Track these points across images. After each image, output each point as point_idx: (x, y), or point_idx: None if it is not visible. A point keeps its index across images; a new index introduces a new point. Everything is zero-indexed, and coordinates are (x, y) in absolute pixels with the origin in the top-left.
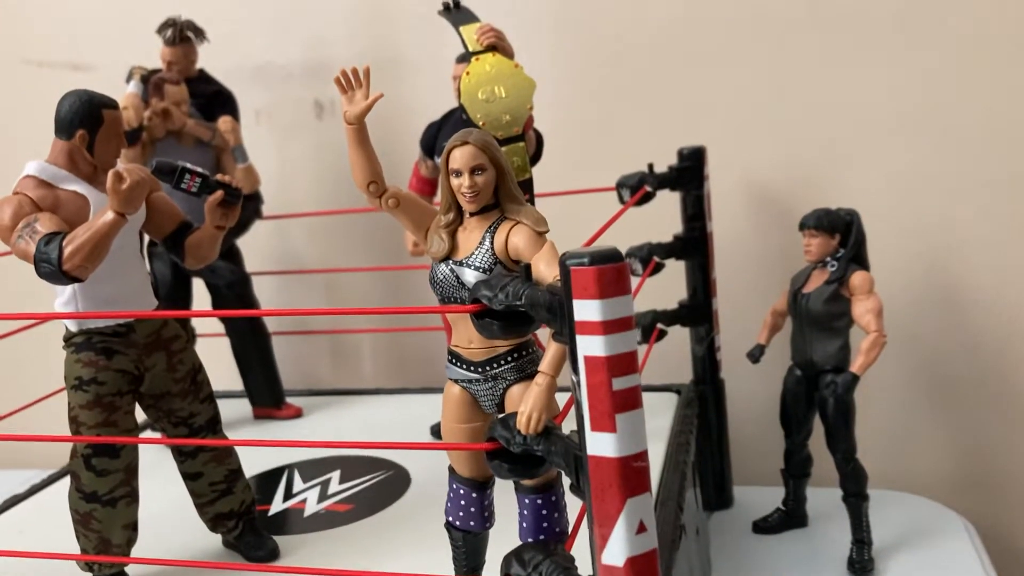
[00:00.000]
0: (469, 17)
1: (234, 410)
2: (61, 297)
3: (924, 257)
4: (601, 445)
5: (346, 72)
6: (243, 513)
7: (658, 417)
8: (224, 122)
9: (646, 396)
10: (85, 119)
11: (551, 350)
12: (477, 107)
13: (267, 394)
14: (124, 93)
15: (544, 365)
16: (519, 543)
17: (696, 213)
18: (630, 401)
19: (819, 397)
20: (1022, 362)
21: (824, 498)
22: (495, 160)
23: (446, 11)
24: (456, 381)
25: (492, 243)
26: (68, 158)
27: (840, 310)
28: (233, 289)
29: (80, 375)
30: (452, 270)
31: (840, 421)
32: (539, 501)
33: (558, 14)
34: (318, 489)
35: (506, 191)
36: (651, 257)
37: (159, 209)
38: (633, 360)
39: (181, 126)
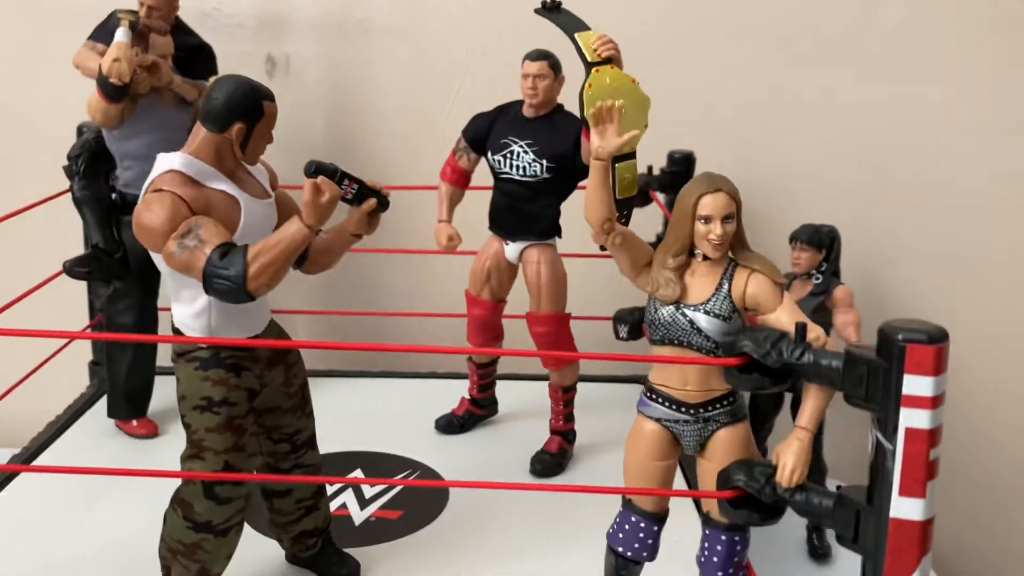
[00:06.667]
0: (578, 23)
1: None
2: (189, 307)
3: (863, 266)
4: (908, 509)
5: (603, 106)
6: (325, 529)
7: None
8: None
9: (615, 387)
10: (246, 112)
11: (812, 407)
12: None
13: None
14: (113, 43)
15: (806, 421)
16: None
17: None
18: (936, 469)
19: (793, 399)
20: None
21: None
22: (740, 207)
23: (546, 10)
24: (658, 419)
25: (730, 290)
26: (216, 153)
27: (822, 321)
28: None
29: (209, 395)
30: (684, 314)
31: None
32: (736, 538)
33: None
34: (350, 489)
35: (739, 237)
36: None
37: (287, 211)
38: (941, 431)
39: (168, 82)
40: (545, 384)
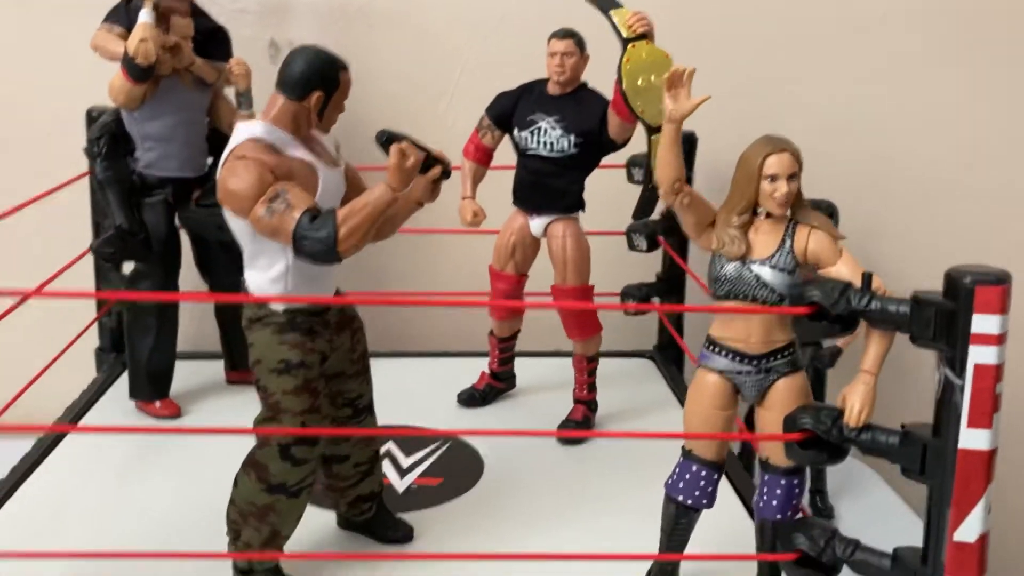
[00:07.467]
0: (611, 1)
1: (201, 372)
2: (266, 273)
3: (858, 242)
4: (976, 440)
5: (675, 70)
6: (379, 493)
7: (649, 382)
8: (239, 64)
9: (623, 362)
10: (324, 80)
11: (875, 351)
12: (638, 95)
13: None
14: (138, 24)
15: (870, 365)
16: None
17: None
18: (1000, 403)
19: None
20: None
21: None
22: (801, 167)
23: None
24: (720, 371)
25: (792, 246)
26: (293, 121)
27: None
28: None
29: (287, 358)
30: (750, 269)
31: (818, 390)
32: (795, 481)
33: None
34: (387, 459)
35: (799, 196)
36: (655, 235)
37: (354, 181)
38: (1004, 366)
39: (189, 64)
40: (563, 361)
